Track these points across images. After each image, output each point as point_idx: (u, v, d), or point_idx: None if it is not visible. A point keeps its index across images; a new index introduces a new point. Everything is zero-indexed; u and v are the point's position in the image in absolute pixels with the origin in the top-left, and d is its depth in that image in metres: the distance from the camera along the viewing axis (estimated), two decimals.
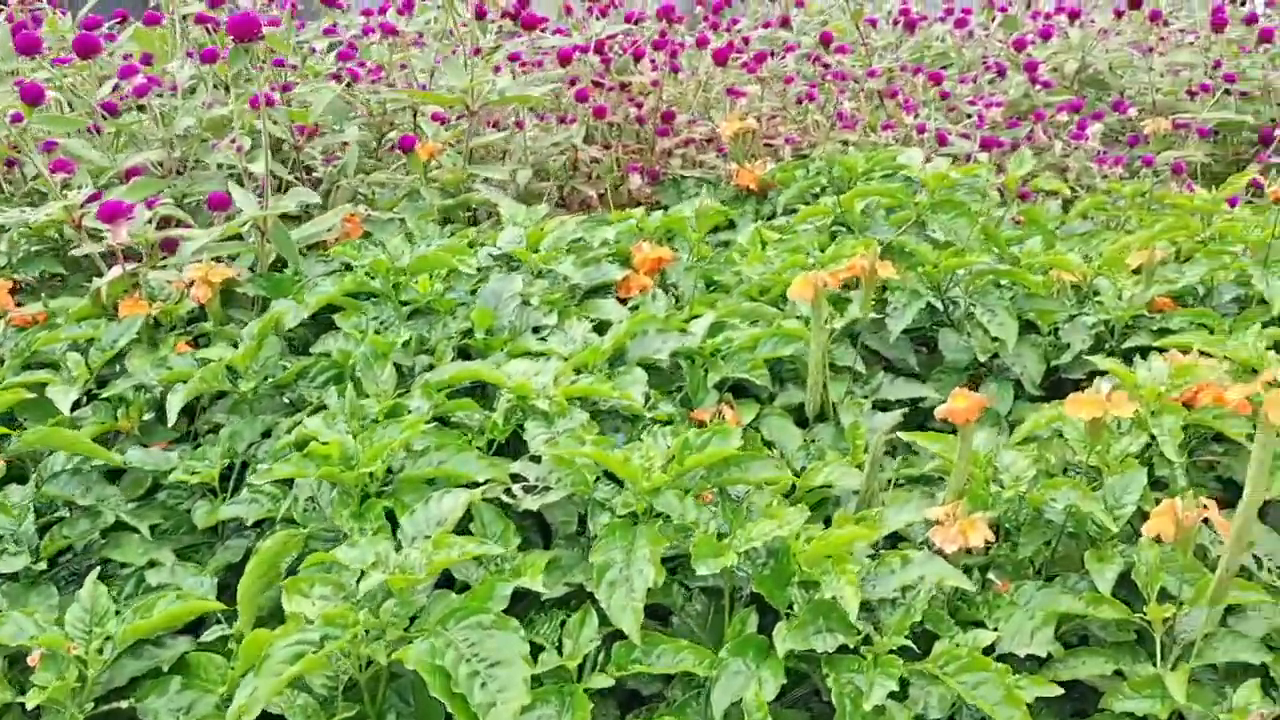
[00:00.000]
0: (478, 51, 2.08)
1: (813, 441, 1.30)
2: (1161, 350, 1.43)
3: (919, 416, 1.43)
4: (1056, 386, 1.54)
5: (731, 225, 2.10)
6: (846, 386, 1.40)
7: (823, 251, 1.54)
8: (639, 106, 2.27)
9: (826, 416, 1.35)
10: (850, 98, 2.32)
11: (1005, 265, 1.53)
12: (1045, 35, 2.49)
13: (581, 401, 1.16)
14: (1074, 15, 2.57)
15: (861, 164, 1.89)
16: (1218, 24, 2.30)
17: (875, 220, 1.74)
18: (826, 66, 2.28)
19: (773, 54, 2.46)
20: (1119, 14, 2.54)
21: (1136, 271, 1.61)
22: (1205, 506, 0.98)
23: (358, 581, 0.90)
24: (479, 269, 1.49)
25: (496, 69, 1.87)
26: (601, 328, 1.35)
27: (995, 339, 1.46)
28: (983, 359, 1.48)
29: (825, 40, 2.31)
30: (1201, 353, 1.31)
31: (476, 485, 1.02)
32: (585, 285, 1.48)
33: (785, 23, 2.48)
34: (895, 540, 1.14)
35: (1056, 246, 1.85)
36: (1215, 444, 1.31)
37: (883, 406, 1.40)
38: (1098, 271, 1.57)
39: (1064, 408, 1.07)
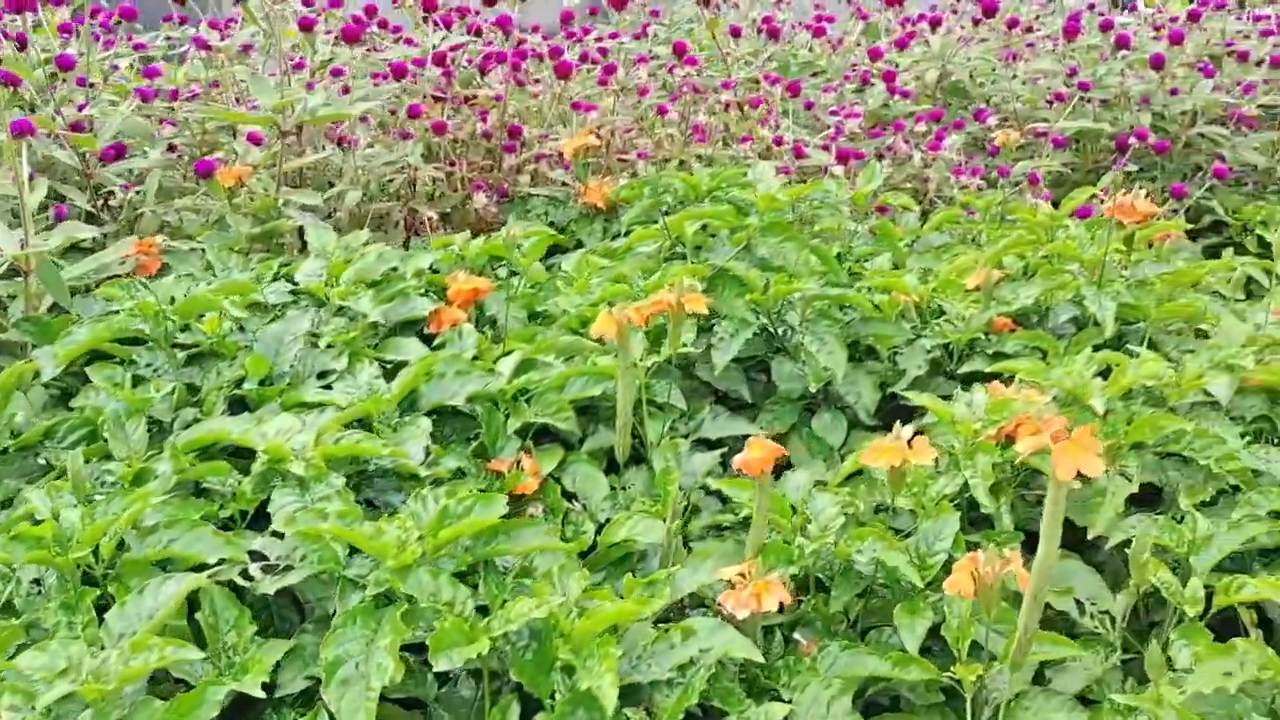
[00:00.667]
0: (300, 65, 1.95)
1: (623, 489, 1.21)
2: (994, 376, 1.38)
3: None
4: (897, 413, 1.48)
5: (581, 246, 2.01)
6: (668, 424, 1.31)
7: (648, 278, 1.46)
8: (487, 121, 2.17)
9: (643, 460, 1.26)
10: (709, 110, 2.25)
11: (840, 289, 1.46)
12: (901, 44, 2.45)
13: (353, 461, 1.05)
14: (935, 23, 2.53)
15: (706, 181, 1.81)
16: (1070, 31, 2.29)
17: (720, 242, 1.66)
18: (687, 77, 2.21)
19: (644, 60, 2.37)
20: (977, 22, 2.51)
21: (978, 289, 1.56)
22: (1007, 559, 0.91)
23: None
24: (275, 306, 1.37)
25: (310, 85, 1.74)
26: (398, 370, 1.24)
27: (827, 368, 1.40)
28: (815, 388, 1.40)
29: (678, 50, 2.23)
30: (1025, 381, 1.26)
31: (208, 567, 0.90)
32: (390, 322, 1.37)
33: (645, 32, 2.40)
34: (700, 601, 1.06)
35: (908, 263, 1.80)
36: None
37: (709, 444, 1.32)
38: (933, 292, 1.51)
39: (862, 456, 0.99)
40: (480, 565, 0.92)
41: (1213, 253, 2.29)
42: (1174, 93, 2.40)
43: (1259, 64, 2.49)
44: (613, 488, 1.20)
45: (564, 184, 2.13)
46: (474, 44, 2.25)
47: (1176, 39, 2.24)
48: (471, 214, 2.11)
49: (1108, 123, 2.36)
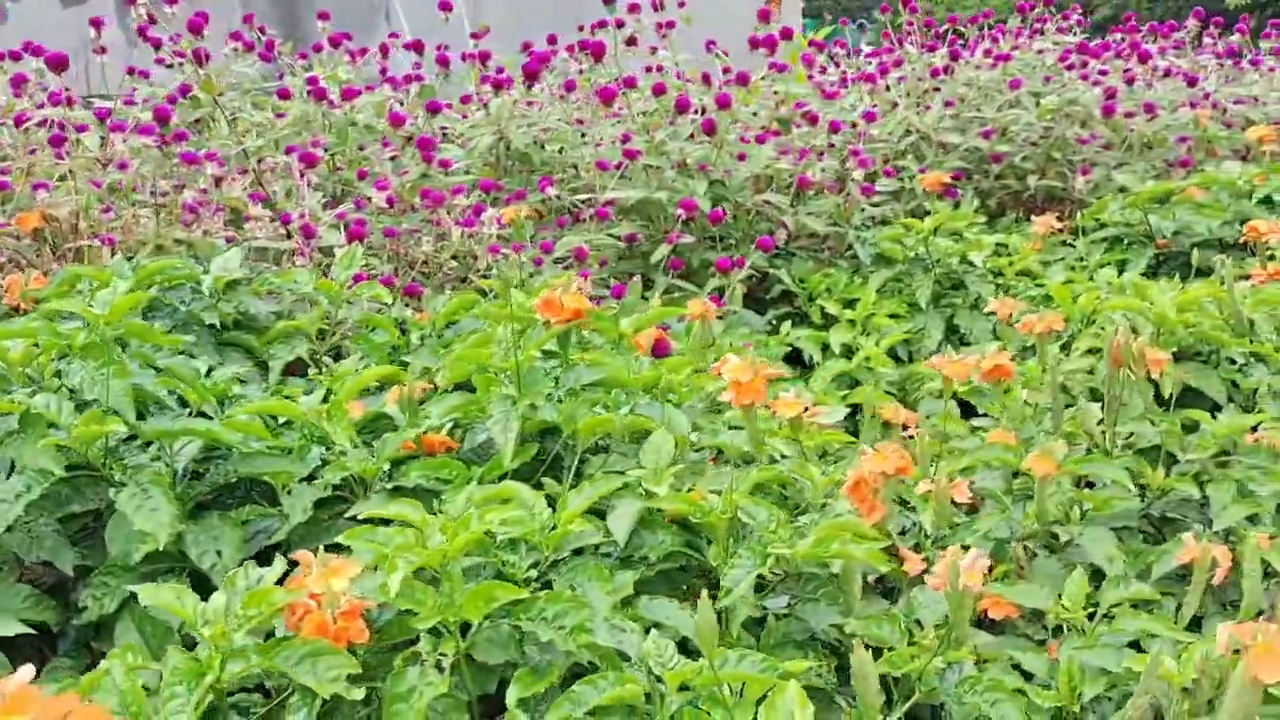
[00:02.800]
0: None
1: None
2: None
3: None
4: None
5: None
6: None
7: None
8: None
9: None
10: (193, 185, 1.92)
11: (193, 422, 1.15)
12: (433, 109, 2.21)
13: None
14: (499, 85, 2.32)
15: (128, 277, 1.48)
16: (605, 97, 2.12)
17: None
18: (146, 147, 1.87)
19: (119, 129, 2.01)
20: (529, 84, 2.32)
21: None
22: None
23: None
24: None
25: None
26: None
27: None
28: (138, 557, 1.09)
29: (159, 116, 1.90)
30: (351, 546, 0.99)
31: None
32: None
33: (129, 102, 2.06)
34: None
35: (412, 360, 1.54)
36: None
37: None
38: (326, 415, 1.23)
39: None
40: None
41: (775, 326, 2.16)
42: (742, 158, 2.28)
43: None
44: None
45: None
46: None
47: (724, 103, 2.12)
48: None
49: (668, 191, 2.20)
